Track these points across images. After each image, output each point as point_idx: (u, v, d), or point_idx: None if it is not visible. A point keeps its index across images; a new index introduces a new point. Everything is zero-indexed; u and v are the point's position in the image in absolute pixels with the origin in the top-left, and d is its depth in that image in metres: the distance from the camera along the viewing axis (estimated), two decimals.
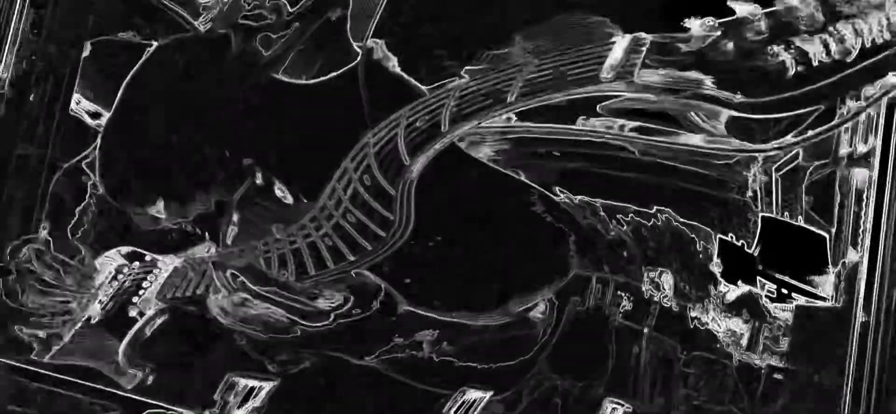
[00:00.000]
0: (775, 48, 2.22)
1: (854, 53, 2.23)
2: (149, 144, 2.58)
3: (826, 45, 2.22)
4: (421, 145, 2.40)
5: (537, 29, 2.39)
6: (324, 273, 2.45)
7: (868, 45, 2.23)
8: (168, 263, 2.54)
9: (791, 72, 2.22)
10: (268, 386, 2.47)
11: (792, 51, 2.22)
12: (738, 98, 2.24)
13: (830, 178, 2.28)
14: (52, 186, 2.60)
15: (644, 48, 2.30)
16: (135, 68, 2.59)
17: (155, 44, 2.59)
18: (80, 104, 2.62)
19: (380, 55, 2.46)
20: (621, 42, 2.33)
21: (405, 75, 2.45)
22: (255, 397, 2.47)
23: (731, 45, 2.24)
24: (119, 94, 2.59)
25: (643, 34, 2.32)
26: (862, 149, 2.27)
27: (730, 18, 2.28)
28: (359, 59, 2.47)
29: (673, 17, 2.32)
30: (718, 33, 2.26)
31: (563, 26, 2.37)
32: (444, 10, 2.47)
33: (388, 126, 2.41)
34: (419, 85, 2.43)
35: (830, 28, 2.21)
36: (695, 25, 2.29)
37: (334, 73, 2.48)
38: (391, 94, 2.45)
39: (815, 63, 2.21)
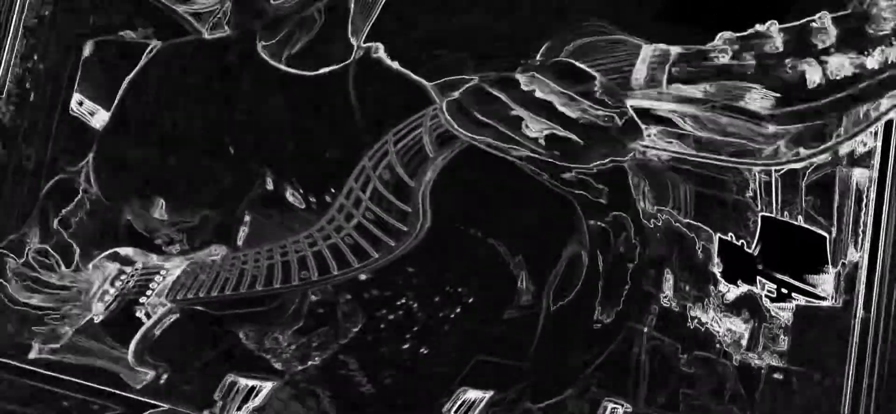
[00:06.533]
0: (794, 60, 2.21)
1: (876, 66, 2.22)
2: (149, 144, 2.58)
3: (846, 60, 2.21)
4: (450, 139, 2.39)
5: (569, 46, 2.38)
6: (347, 271, 2.45)
7: (889, 60, 2.21)
8: (175, 267, 2.54)
9: (811, 83, 2.21)
10: (268, 386, 2.47)
11: (811, 63, 2.21)
12: (770, 103, 2.23)
13: (830, 179, 2.28)
14: (44, 192, 2.61)
15: (668, 60, 2.29)
16: (135, 70, 2.59)
17: (155, 44, 2.59)
18: (82, 105, 2.62)
19: (380, 53, 2.46)
20: (645, 51, 2.31)
21: (409, 73, 2.45)
22: (255, 397, 2.47)
23: (751, 58, 2.23)
24: (118, 96, 2.59)
25: (665, 46, 2.30)
26: (862, 149, 2.27)
27: (747, 32, 2.27)
28: (352, 57, 2.47)
29: (693, 30, 2.31)
30: (738, 47, 2.25)
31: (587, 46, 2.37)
32: (445, 12, 2.47)
33: (412, 122, 2.41)
34: (422, 80, 2.43)
35: (850, 43, 2.21)
36: (716, 39, 2.28)
37: (330, 68, 2.48)
38: (390, 92, 2.45)
39: (833, 76, 2.20)
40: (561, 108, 2.26)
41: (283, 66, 2.51)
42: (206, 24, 2.58)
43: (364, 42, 2.47)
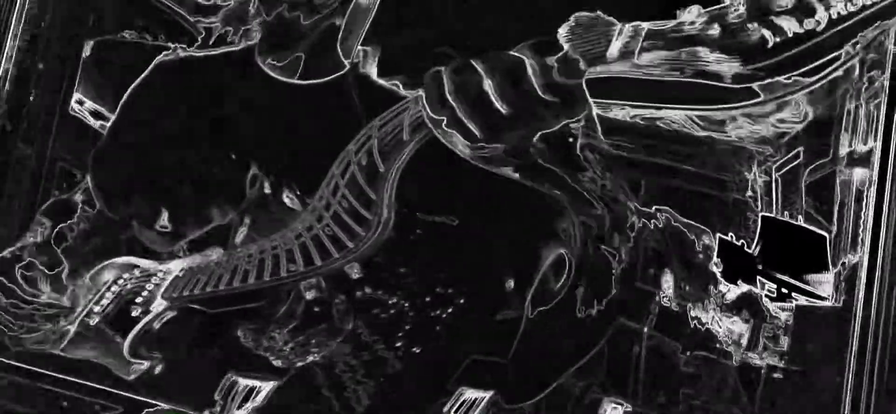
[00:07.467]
0: (754, 25, 2.24)
1: (823, 23, 2.24)
2: (150, 156, 2.58)
3: (799, 20, 2.24)
4: (421, 124, 2.40)
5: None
6: (329, 262, 2.45)
7: (835, 16, 2.24)
8: (173, 269, 2.54)
9: (770, 44, 2.24)
10: (268, 386, 2.47)
11: (769, 26, 2.24)
12: (736, 67, 2.26)
13: (830, 179, 2.29)
14: (42, 211, 2.61)
15: (641, 36, 2.31)
16: (136, 84, 2.59)
17: (161, 44, 2.60)
18: (82, 105, 2.62)
19: (366, 68, 2.47)
20: (620, 27, 2.33)
21: (395, 87, 2.45)
22: (255, 397, 2.47)
23: (716, 27, 2.26)
24: (118, 109, 2.60)
25: (640, 23, 2.32)
26: (862, 149, 2.28)
27: (713, 8, 2.29)
28: (346, 70, 2.48)
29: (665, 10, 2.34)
30: (705, 19, 2.28)
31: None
32: (435, 11, 2.48)
33: (397, 110, 2.41)
34: (407, 95, 2.43)
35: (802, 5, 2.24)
36: (685, 14, 2.30)
37: (321, 80, 2.49)
38: (378, 103, 2.45)
39: (790, 34, 2.23)
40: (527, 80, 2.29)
41: (279, 77, 2.52)
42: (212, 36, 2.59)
43: (360, 46, 2.48)
